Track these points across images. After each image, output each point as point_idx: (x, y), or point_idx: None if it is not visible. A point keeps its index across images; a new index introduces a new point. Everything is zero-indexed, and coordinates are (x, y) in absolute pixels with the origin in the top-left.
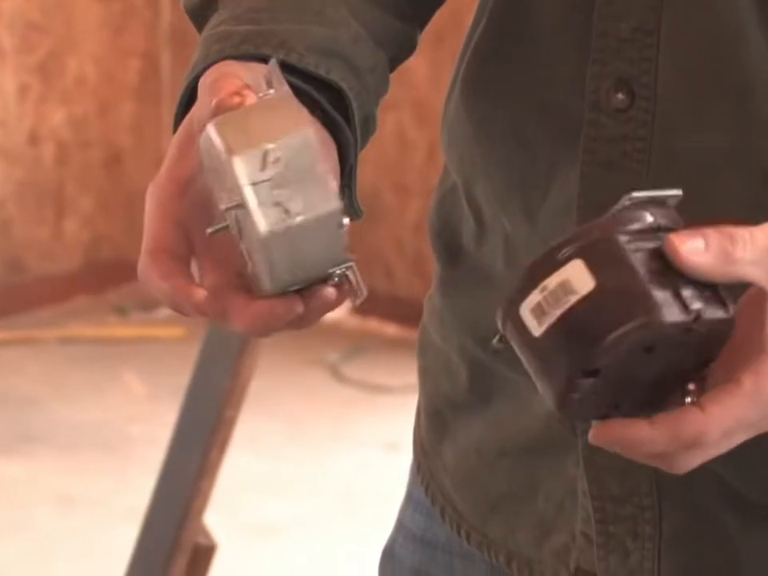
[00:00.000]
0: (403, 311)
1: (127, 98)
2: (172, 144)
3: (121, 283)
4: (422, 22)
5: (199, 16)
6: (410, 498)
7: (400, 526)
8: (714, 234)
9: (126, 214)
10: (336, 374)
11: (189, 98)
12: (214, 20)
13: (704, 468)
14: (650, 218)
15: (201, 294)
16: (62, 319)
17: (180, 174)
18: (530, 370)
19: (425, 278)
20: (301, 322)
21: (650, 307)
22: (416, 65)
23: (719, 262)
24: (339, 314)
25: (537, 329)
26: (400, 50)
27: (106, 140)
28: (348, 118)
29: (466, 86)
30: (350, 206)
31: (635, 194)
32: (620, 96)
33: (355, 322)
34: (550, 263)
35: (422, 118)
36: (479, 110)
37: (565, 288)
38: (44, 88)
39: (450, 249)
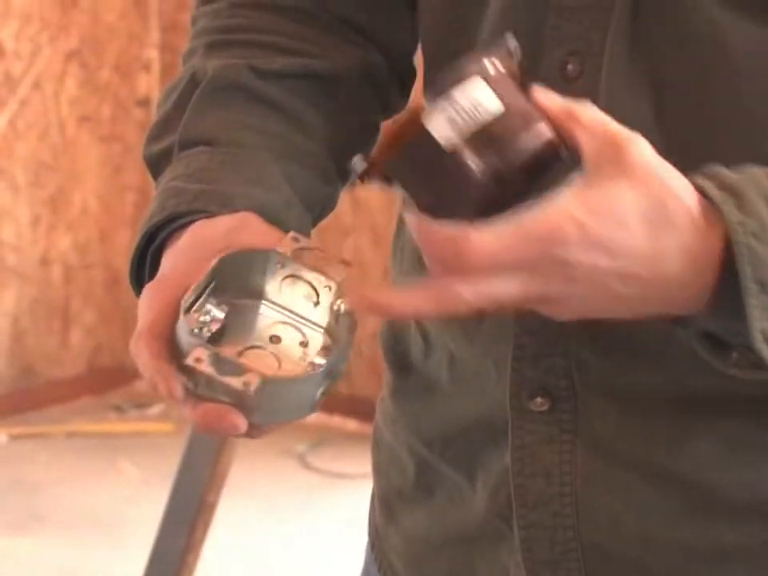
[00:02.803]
0: (362, 409)
1: (124, 226)
2: (177, 251)
3: (119, 386)
4: (345, 182)
5: (156, 165)
6: (367, 573)
7: None
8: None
9: (123, 327)
10: (303, 462)
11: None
12: (168, 173)
13: (623, 552)
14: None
15: (178, 386)
16: (68, 416)
17: (180, 280)
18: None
19: (381, 380)
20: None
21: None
22: (371, 194)
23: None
24: None
25: (450, 139)
26: (323, 211)
27: (107, 263)
28: None
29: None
30: None
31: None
32: None
33: (320, 418)
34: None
35: (377, 241)
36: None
37: (475, 105)
38: (53, 218)
39: (400, 362)
